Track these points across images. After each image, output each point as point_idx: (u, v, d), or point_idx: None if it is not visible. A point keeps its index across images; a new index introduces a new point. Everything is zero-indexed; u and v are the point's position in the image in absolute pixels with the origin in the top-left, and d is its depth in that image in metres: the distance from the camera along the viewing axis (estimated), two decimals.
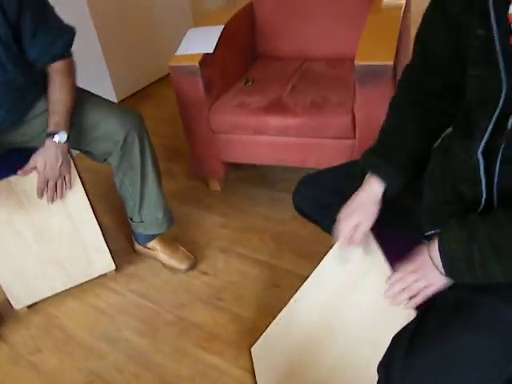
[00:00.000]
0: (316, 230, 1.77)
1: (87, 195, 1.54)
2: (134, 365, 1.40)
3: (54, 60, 1.39)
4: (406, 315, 0.88)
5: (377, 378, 0.86)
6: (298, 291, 1.22)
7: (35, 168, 1.37)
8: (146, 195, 1.58)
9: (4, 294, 1.61)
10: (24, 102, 1.43)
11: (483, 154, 0.79)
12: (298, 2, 2.03)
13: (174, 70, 1.73)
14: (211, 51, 1.72)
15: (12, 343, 1.54)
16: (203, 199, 2.05)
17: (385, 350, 0.88)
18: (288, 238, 1.78)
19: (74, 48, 1.45)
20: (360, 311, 1.03)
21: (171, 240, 1.74)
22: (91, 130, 1.45)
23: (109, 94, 2.62)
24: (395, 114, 1.02)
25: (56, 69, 1.40)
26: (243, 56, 2.07)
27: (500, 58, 0.72)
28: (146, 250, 1.73)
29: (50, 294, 1.64)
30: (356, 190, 1.03)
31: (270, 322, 1.30)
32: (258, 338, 1.35)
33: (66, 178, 1.43)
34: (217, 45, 1.76)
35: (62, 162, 1.37)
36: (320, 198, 1.15)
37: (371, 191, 0.98)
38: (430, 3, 0.91)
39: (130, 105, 2.89)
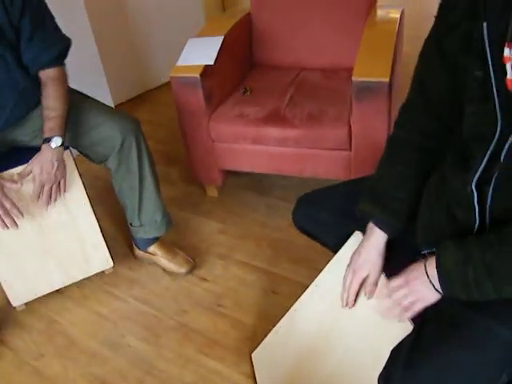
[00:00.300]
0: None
1: (86, 191, 1.58)
2: (138, 370, 1.45)
3: (46, 66, 1.43)
4: (404, 327, 0.94)
5: None
6: (298, 300, 1.27)
7: (31, 173, 1.40)
8: (145, 199, 1.62)
9: (2, 298, 1.65)
10: (27, 102, 1.47)
11: (477, 184, 0.85)
12: (294, 12, 2.07)
13: (174, 80, 1.77)
14: (212, 63, 1.76)
15: (15, 348, 1.57)
16: (201, 205, 2.09)
17: (383, 360, 0.93)
18: (285, 245, 1.84)
19: (73, 52, 1.50)
20: (359, 322, 1.08)
21: (171, 245, 1.78)
22: (89, 134, 1.49)
23: (105, 98, 2.64)
24: (397, 158, 1.04)
25: (49, 76, 1.43)
26: (241, 65, 2.11)
27: (496, 97, 0.77)
28: (146, 254, 1.77)
29: (48, 291, 1.67)
30: (354, 209, 1.09)
31: (270, 329, 1.35)
32: (258, 344, 1.40)
33: (61, 183, 1.45)
34: (217, 56, 1.80)
35: (58, 167, 1.40)
36: (320, 217, 1.20)
37: (377, 245, 1.02)
38: (427, 42, 0.95)
39: (126, 109, 2.91)
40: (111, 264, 1.72)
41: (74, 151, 1.56)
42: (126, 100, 3.04)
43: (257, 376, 1.37)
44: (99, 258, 1.69)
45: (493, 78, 0.77)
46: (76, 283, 1.73)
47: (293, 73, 2.07)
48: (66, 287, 1.73)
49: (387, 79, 1.50)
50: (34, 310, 1.68)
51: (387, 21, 1.90)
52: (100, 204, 2.00)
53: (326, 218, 1.20)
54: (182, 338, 1.53)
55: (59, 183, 1.45)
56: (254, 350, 1.42)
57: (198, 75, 1.72)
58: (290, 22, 2.08)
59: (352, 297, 1.05)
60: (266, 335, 1.37)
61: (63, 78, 1.47)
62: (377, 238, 1.03)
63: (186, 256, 1.76)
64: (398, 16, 1.92)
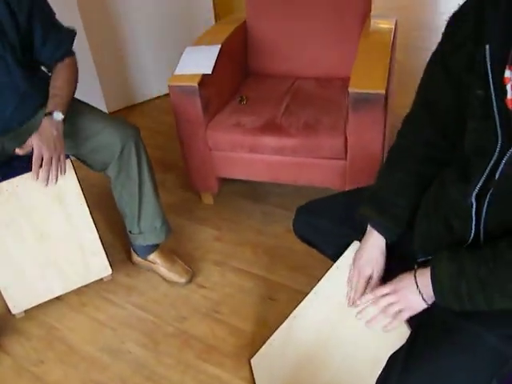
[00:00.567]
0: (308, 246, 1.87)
1: (86, 199, 1.59)
2: (139, 376, 1.46)
3: (60, 59, 1.51)
4: (402, 334, 0.98)
5: None
6: (297, 308, 1.30)
7: (32, 146, 1.37)
8: (144, 206, 1.64)
9: (1, 306, 1.66)
10: (28, 106, 1.50)
11: (476, 197, 0.89)
12: (290, 22, 2.11)
13: (172, 89, 1.79)
14: (210, 72, 1.79)
15: (15, 355, 1.57)
16: (196, 212, 2.11)
17: (378, 367, 0.97)
18: (281, 252, 1.87)
19: None
20: (357, 330, 1.10)
21: (170, 253, 1.80)
22: (89, 141, 1.51)
23: (100, 105, 2.65)
24: (398, 167, 1.08)
25: (62, 65, 1.51)
26: (237, 74, 2.15)
27: (496, 115, 0.82)
28: (145, 262, 1.79)
29: (47, 299, 1.67)
30: (354, 217, 1.13)
31: (268, 335, 1.38)
32: (257, 350, 1.43)
33: (61, 158, 1.41)
34: (214, 65, 1.82)
35: (57, 137, 1.38)
36: (320, 226, 1.23)
37: (379, 245, 1.06)
38: (433, 58, 0.99)
39: (121, 115, 2.93)
40: (110, 271, 1.73)
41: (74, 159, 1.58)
42: (123, 108, 3.05)
43: (256, 382, 1.39)
44: (98, 266, 1.71)
45: (494, 97, 0.81)
46: (74, 290, 1.74)
47: (288, 81, 2.11)
48: (64, 294, 1.74)
49: (383, 91, 1.54)
50: (33, 317, 1.69)
51: (382, 31, 1.95)
52: (96, 211, 2.01)
53: (325, 227, 1.23)
54: (181, 345, 1.55)
55: (59, 159, 1.40)
56: (253, 356, 1.45)
57: (196, 84, 1.74)
58: (285, 32, 2.12)
59: (359, 296, 1.08)
60: (264, 342, 1.40)
61: (75, 64, 1.55)
62: (376, 239, 1.06)
63: (185, 265, 1.78)
64: (393, 27, 1.97)
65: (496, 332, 0.85)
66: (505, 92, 0.80)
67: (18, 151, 1.36)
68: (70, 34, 1.55)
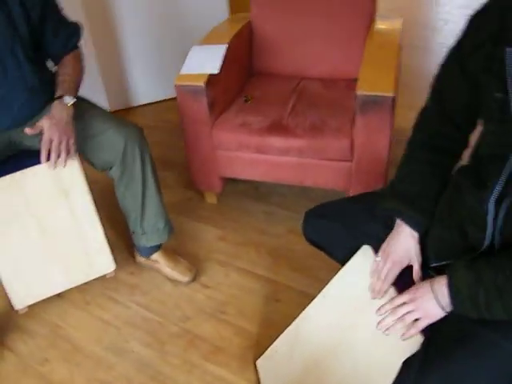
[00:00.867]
0: (310, 246, 1.89)
1: (91, 194, 1.59)
2: (144, 376, 1.47)
3: (70, 51, 1.55)
4: (414, 341, 0.98)
5: None
6: (304, 311, 1.30)
7: (42, 128, 1.37)
8: (148, 206, 1.64)
9: (4, 304, 1.66)
10: (36, 101, 1.49)
11: (493, 204, 0.89)
12: (295, 21, 2.11)
13: (179, 88, 1.78)
14: (216, 72, 1.78)
15: (19, 353, 1.57)
16: (199, 211, 2.11)
17: (390, 373, 0.98)
18: (285, 253, 1.87)
19: None
20: (367, 335, 1.10)
21: (173, 253, 1.80)
22: (93, 140, 1.51)
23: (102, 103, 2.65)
24: (416, 159, 1.09)
25: (68, 57, 1.55)
26: (241, 73, 2.14)
27: None
28: (148, 262, 1.79)
29: (51, 294, 1.66)
30: (370, 225, 1.14)
31: (273, 336, 1.39)
32: (262, 351, 1.43)
33: (70, 142, 1.40)
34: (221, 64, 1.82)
35: (67, 122, 1.39)
36: (330, 230, 1.23)
37: (412, 235, 1.05)
38: (450, 55, 1.00)
39: (122, 113, 2.91)
40: (113, 267, 1.72)
41: None
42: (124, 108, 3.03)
43: (262, 382, 1.40)
44: (102, 262, 1.70)
45: (511, 100, 0.82)
46: (77, 288, 1.74)
47: (293, 82, 2.10)
48: (67, 292, 1.74)
49: (392, 93, 1.55)
50: (36, 315, 1.69)
51: (388, 32, 1.95)
52: (98, 209, 2.00)
53: (336, 230, 1.23)
54: (186, 345, 1.55)
55: (68, 142, 1.39)
56: (258, 357, 1.45)
57: (202, 84, 1.74)
58: (290, 31, 2.12)
59: (387, 287, 1.07)
60: (269, 343, 1.40)
61: (81, 55, 1.60)
62: (408, 230, 1.05)
63: (188, 264, 1.78)
64: (400, 27, 1.97)
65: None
66: None
67: (28, 130, 1.36)
68: (78, 27, 1.58)
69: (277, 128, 1.80)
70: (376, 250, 1.12)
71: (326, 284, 1.25)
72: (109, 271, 1.73)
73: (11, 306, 1.63)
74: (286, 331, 1.35)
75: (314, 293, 1.32)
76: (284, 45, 2.13)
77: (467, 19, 0.96)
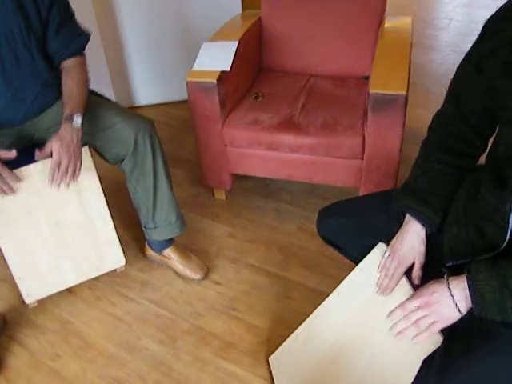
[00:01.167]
0: (320, 244, 1.89)
1: (102, 188, 1.59)
2: (156, 373, 1.47)
3: (71, 56, 1.50)
4: (431, 340, 0.98)
5: None
6: (319, 308, 1.30)
7: (51, 150, 1.37)
8: (159, 200, 1.64)
9: (15, 299, 1.65)
10: (47, 95, 1.50)
11: None
12: (305, 19, 2.10)
13: (190, 85, 1.78)
14: (228, 69, 1.78)
15: (31, 349, 1.57)
16: (209, 208, 2.11)
17: (408, 372, 0.98)
18: (295, 250, 1.88)
19: None
20: (383, 333, 1.10)
21: (185, 249, 1.80)
22: (103, 132, 1.51)
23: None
24: (431, 158, 1.09)
25: (72, 64, 1.51)
26: (251, 70, 2.14)
27: None
28: (160, 257, 1.79)
29: (61, 288, 1.67)
30: (384, 223, 1.14)
31: (285, 333, 1.39)
32: (274, 348, 1.44)
33: (77, 166, 1.41)
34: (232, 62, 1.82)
35: (76, 145, 1.39)
36: (345, 228, 1.23)
37: (418, 234, 1.06)
38: (467, 58, 1.00)
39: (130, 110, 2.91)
40: (123, 262, 1.73)
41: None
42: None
43: (275, 379, 1.40)
44: (112, 256, 1.70)
45: None
46: (87, 284, 1.74)
47: (302, 79, 2.10)
48: (77, 289, 1.74)
49: (404, 92, 1.55)
50: (47, 311, 1.69)
51: (399, 31, 1.95)
52: (109, 205, 2.01)
53: (349, 228, 1.23)
54: (198, 341, 1.56)
55: (75, 165, 1.40)
56: (270, 353, 1.46)
57: (214, 80, 1.74)
58: (300, 29, 2.11)
59: (394, 284, 1.09)
60: (280, 339, 1.41)
61: (85, 64, 1.54)
62: (416, 228, 1.06)
63: (200, 262, 1.78)
64: (410, 26, 1.97)
65: None
66: None
67: (38, 155, 1.38)
68: (85, 34, 1.55)
69: (288, 125, 1.79)
70: None
71: (337, 281, 1.25)
72: (119, 266, 1.74)
73: (22, 301, 1.64)
74: (299, 328, 1.36)
75: (325, 290, 1.33)
76: (294, 42, 2.13)
77: (484, 23, 0.96)
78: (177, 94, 2.88)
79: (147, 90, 2.93)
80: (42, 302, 1.68)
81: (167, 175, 1.63)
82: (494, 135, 1.01)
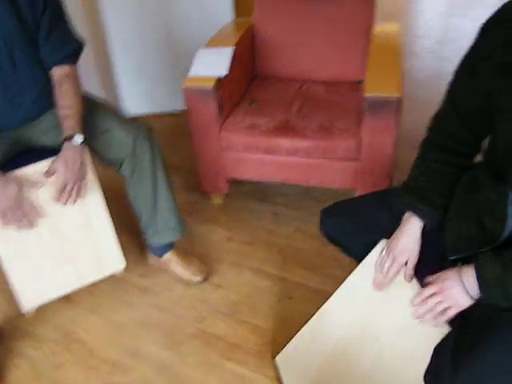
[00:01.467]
0: (319, 244, 1.92)
1: (102, 191, 1.58)
2: (163, 378, 1.46)
3: (60, 63, 1.48)
4: (438, 330, 1.02)
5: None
6: (323, 306, 1.32)
7: (56, 171, 1.40)
8: (159, 204, 1.64)
9: (12, 309, 1.64)
10: (45, 99, 1.49)
11: None
12: (297, 25, 2.15)
13: (188, 90, 1.80)
14: (225, 74, 1.80)
15: (32, 359, 1.55)
16: (206, 213, 2.12)
17: (416, 363, 1.01)
18: (293, 252, 1.90)
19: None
20: (390, 326, 1.14)
21: (185, 252, 1.81)
22: (101, 138, 1.52)
23: None
24: (430, 158, 1.13)
25: (63, 73, 1.48)
26: (245, 76, 2.17)
27: None
28: (161, 261, 1.79)
29: (61, 294, 1.63)
30: (386, 220, 1.17)
31: (289, 333, 1.40)
32: (279, 348, 1.45)
33: (82, 184, 1.45)
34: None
35: (81, 165, 1.42)
36: (348, 226, 1.26)
37: (414, 234, 1.10)
38: (463, 62, 1.05)
39: None
40: (124, 264, 1.69)
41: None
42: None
43: (283, 378, 1.41)
44: (112, 260, 1.68)
45: None
46: (87, 292, 1.73)
47: (296, 84, 2.14)
48: (77, 296, 1.73)
49: (399, 95, 1.60)
50: (47, 321, 1.67)
51: (389, 36, 2.01)
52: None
53: (352, 227, 1.26)
54: (203, 344, 1.56)
55: (80, 184, 1.44)
56: (276, 353, 1.46)
57: (212, 86, 1.76)
58: (293, 35, 2.15)
59: (388, 281, 1.13)
60: (286, 340, 1.42)
61: (77, 76, 1.52)
62: (413, 226, 1.10)
63: (200, 264, 1.79)
64: (398, 32, 2.03)
65: None
66: None
67: (44, 177, 1.41)
68: (78, 41, 1.53)
69: (285, 129, 1.83)
70: None
71: (337, 281, 1.28)
72: (119, 268, 1.71)
73: (19, 313, 1.59)
74: (304, 327, 1.37)
75: (327, 289, 1.35)
76: (286, 48, 2.17)
77: (480, 26, 1.01)
78: (166, 106, 2.88)
79: (135, 102, 2.93)
80: (40, 312, 1.65)
81: (167, 179, 1.64)
82: (492, 134, 1.05)
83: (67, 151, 1.38)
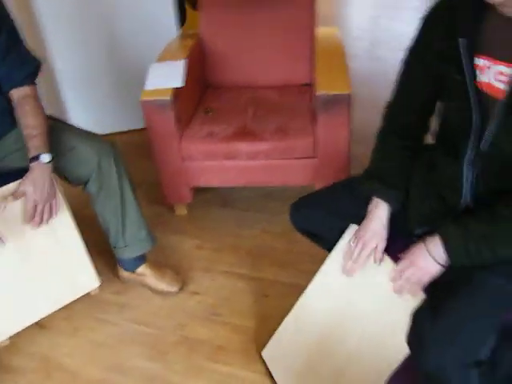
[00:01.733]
0: (287, 242, 1.99)
1: (70, 211, 1.57)
2: None
3: (20, 84, 1.46)
4: (414, 298, 1.11)
5: (406, 350, 1.06)
6: (304, 294, 1.38)
7: (24, 193, 1.39)
8: (128, 218, 1.65)
9: None
10: (6, 123, 1.49)
11: (466, 168, 1.06)
12: (243, 35, 2.23)
13: (145, 104, 1.82)
14: (181, 85, 1.85)
15: None
16: (173, 224, 2.14)
17: (398, 332, 1.09)
18: (263, 251, 1.95)
19: None
20: (367, 305, 1.22)
21: (158, 264, 1.82)
22: (65, 156, 1.51)
23: None
24: (386, 145, 1.24)
25: (24, 94, 1.47)
26: (198, 87, 2.22)
27: (471, 95, 1.00)
28: (134, 276, 1.79)
29: (36, 320, 1.58)
30: (353, 206, 1.26)
31: (270, 328, 1.47)
32: (263, 343, 1.50)
33: (53, 203, 1.44)
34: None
35: (50, 184, 1.41)
36: (318, 215, 1.33)
37: (382, 218, 1.19)
38: (410, 52, 1.16)
39: None
40: (98, 282, 1.68)
41: None
42: None
43: (272, 371, 1.46)
44: (85, 278, 1.66)
45: (468, 81, 1.00)
46: (62, 316, 1.70)
47: (247, 92, 2.21)
48: (51, 322, 1.69)
49: (349, 91, 1.70)
50: (22, 351, 1.62)
51: (331, 40, 2.14)
52: None
53: (322, 216, 1.32)
54: (188, 351, 1.58)
55: (51, 204, 1.44)
56: (261, 349, 1.51)
57: (169, 98, 1.80)
58: (239, 45, 2.24)
59: (360, 266, 1.21)
60: (268, 335, 1.47)
61: (37, 95, 1.51)
62: (380, 211, 1.19)
63: (174, 274, 1.80)
64: (339, 34, 2.16)
65: (504, 274, 1.01)
66: (476, 76, 0.99)
67: (12, 199, 1.39)
68: (35, 60, 1.51)
69: (243, 134, 1.89)
70: None
71: (308, 273, 1.35)
72: (94, 287, 1.69)
73: None
74: (286, 318, 1.42)
75: (300, 283, 1.41)
76: (234, 58, 2.24)
77: (420, 20, 1.13)
78: (116, 126, 2.85)
79: (84, 124, 2.88)
80: (14, 343, 1.60)
81: (133, 192, 1.65)
82: (442, 113, 1.17)
83: (35, 171, 1.37)
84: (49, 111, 2.68)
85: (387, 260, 1.19)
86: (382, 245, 1.20)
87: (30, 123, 1.42)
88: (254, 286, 1.80)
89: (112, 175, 1.56)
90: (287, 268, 1.86)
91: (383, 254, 1.20)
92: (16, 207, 1.43)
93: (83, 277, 1.66)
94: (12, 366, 1.58)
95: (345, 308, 1.28)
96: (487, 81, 0.99)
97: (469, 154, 1.05)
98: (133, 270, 1.78)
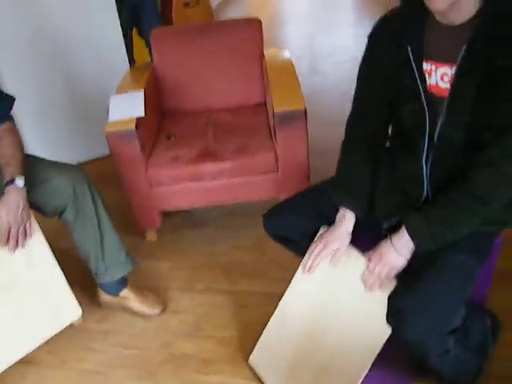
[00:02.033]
0: (257, 254, 2.08)
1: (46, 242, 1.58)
2: None
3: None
4: (387, 286, 1.23)
5: (388, 330, 1.17)
6: (282, 299, 1.48)
7: None
8: (106, 242, 1.70)
9: None
10: None
11: (423, 162, 1.20)
12: (194, 62, 2.34)
13: (110, 135, 1.89)
14: (143, 114, 1.93)
15: None
16: (144, 250, 2.18)
17: (377, 318, 1.21)
18: (234, 266, 2.04)
19: None
20: (343, 301, 1.31)
21: (139, 288, 1.86)
22: (39, 188, 1.55)
23: None
24: (351, 156, 1.36)
25: (3, 129, 1.53)
26: (157, 115, 2.30)
27: (422, 97, 1.15)
28: (118, 299, 1.81)
29: (20, 356, 1.55)
30: (323, 208, 1.38)
31: (254, 335, 1.55)
32: (249, 350, 1.57)
33: (27, 225, 1.47)
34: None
35: (23, 208, 1.44)
36: (290, 221, 1.43)
37: (347, 227, 1.31)
38: (363, 64, 1.30)
39: None
40: (80, 311, 1.67)
41: None
42: None
43: (261, 375, 1.53)
44: (67, 310, 1.65)
45: (419, 84, 1.15)
46: (47, 350, 1.70)
47: (204, 115, 2.32)
48: (37, 358, 1.69)
49: (303, 107, 1.85)
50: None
51: (280, 59, 2.29)
52: None
53: (295, 221, 1.42)
54: (176, 367, 1.63)
55: (25, 226, 1.47)
56: (248, 356, 1.58)
57: (133, 127, 1.87)
58: (192, 72, 2.35)
59: (315, 265, 1.32)
60: (252, 342, 1.55)
61: (15, 129, 1.57)
62: (347, 221, 1.31)
63: (155, 297, 1.86)
64: (289, 55, 2.31)
65: (465, 251, 1.15)
66: (425, 79, 1.14)
67: None
68: (9, 98, 1.58)
69: (206, 155, 1.99)
70: None
71: (282, 281, 1.44)
72: (76, 317, 1.68)
73: None
74: (268, 324, 1.50)
75: (275, 291, 1.51)
76: (189, 84, 2.35)
77: (368, 36, 1.28)
78: (74, 157, 2.86)
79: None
80: (3, 382, 1.60)
81: (109, 215, 1.71)
82: (396, 117, 1.30)
83: (10, 195, 1.41)
84: None
85: (359, 256, 1.30)
86: (343, 249, 1.31)
87: (7, 153, 1.48)
88: (232, 298, 1.88)
89: (87, 201, 1.61)
90: (260, 278, 1.95)
91: (356, 252, 1.30)
92: None
93: (65, 307, 1.65)
94: None
95: (323, 307, 1.36)
96: (434, 82, 1.13)
97: (424, 149, 1.19)
98: (115, 294, 1.81)
